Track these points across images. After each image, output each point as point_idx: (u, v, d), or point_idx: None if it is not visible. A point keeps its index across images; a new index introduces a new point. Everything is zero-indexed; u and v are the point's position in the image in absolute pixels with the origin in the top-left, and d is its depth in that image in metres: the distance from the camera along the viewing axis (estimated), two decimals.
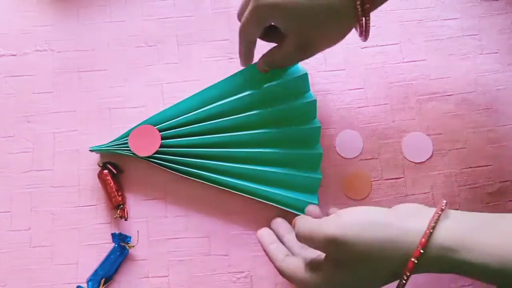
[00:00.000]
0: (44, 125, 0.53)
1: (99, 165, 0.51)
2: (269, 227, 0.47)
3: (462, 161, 0.52)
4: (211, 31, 0.56)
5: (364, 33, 0.39)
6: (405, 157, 0.52)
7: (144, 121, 0.51)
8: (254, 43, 0.44)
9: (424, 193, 0.51)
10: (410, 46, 0.55)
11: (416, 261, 0.30)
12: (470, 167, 0.52)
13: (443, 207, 0.32)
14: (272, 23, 0.41)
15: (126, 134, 0.50)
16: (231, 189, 0.49)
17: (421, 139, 0.52)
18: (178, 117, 0.50)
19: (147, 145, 0.50)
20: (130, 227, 0.50)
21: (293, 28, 0.40)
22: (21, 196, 0.51)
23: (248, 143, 0.50)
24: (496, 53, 0.55)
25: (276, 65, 0.45)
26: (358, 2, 0.36)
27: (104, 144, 0.51)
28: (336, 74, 0.54)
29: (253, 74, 0.51)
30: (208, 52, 0.55)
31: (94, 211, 0.51)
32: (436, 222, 0.31)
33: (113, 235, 0.49)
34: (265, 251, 0.42)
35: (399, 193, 0.51)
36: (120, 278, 0.49)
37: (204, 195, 0.51)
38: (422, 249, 0.30)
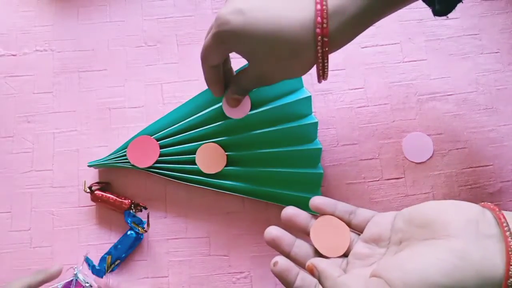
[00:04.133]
0: (44, 125, 0.53)
1: (86, 192, 0.50)
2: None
3: (462, 161, 0.52)
4: None
5: (322, 75, 0.38)
6: (405, 157, 0.52)
7: (141, 131, 0.50)
8: (217, 68, 0.42)
9: (425, 193, 0.51)
10: (411, 46, 0.55)
11: None
12: (471, 167, 0.51)
13: (506, 226, 0.29)
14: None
15: (124, 146, 0.50)
16: (233, 192, 0.49)
17: (421, 139, 0.52)
18: (175, 125, 0.50)
19: (145, 156, 0.49)
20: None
21: (253, 58, 0.39)
22: (21, 197, 0.51)
23: (247, 145, 0.50)
24: (496, 52, 0.55)
25: (244, 92, 0.44)
26: (319, 44, 0.35)
27: (102, 158, 0.50)
28: (336, 74, 0.54)
29: None
30: None
31: (93, 211, 0.51)
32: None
33: (127, 213, 0.48)
34: None
35: (399, 193, 0.51)
36: (120, 278, 0.49)
37: (204, 195, 0.51)
38: None
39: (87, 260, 0.47)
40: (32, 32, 0.56)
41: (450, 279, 0.27)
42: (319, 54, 0.36)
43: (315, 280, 0.34)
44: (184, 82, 0.54)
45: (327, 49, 0.35)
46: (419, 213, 0.32)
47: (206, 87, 0.51)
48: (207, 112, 0.50)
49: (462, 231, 0.29)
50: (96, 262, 0.48)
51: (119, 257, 0.47)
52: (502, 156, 0.52)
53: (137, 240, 0.48)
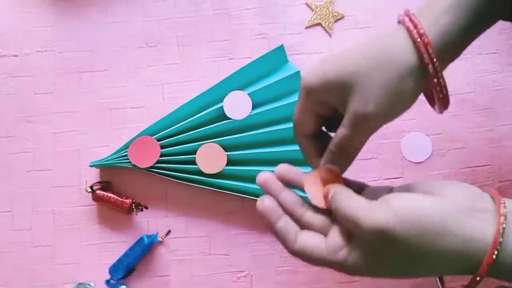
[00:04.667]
0: (44, 125, 0.54)
1: (87, 191, 0.50)
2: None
3: (461, 161, 0.52)
4: (212, 32, 0.56)
5: (442, 99, 0.32)
6: (404, 157, 0.52)
7: (142, 131, 0.51)
8: (314, 139, 0.36)
9: None
10: None
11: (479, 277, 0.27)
12: (470, 167, 0.52)
13: (503, 203, 0.29)
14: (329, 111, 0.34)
15: (126, 147, 0.50)
16: (233, 192, 0.50)
17: (420, 139, 0.52)
18: (176, 125, 0.50)
19: (147, 156, 0.50)
20: (133, 227, 0.50)
21: (345, 99, 0.32)
22: (22, 196, 0.52)
23: (247, 145, 0.50)
24: (495, 53, 0.55)
25: (346, 159, 0.34)
26: (428, 56, 0.30)
27: (104, 158, 0.51)
28: None
29: (247, 75, 0.51)
30: (209, 53, 0.55)
31: (94, 210, 0.51)
32: (504, 225, 0.27)
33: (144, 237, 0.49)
34: (270, 229, 0.34)
35: None
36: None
37: (204, 195, 0.51)
38: (489, 265, 0.27)
39: (108, 284, 0.48)
40: (33, 32, 0.57)
41: (442, 220, 0.28)
42: (430, 69, 0.31)
43: (296, 227, 0.33)
44: (184, 83, 0.55)
45: (438, 62, 0.31)
46: (418, 186, 0.31)
47: (207, 88, 0.51)
48: (207, 113, 0.50)
49: (461, 202, 0.29)
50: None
51: (132, 264, 0.48)
52: (500, 156, 0.52)
53: (149, 246, 0.49)
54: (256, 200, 0.50)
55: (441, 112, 0.34)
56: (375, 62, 0.31)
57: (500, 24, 0.55)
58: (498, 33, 0.56)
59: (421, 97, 0.53)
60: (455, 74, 0.54)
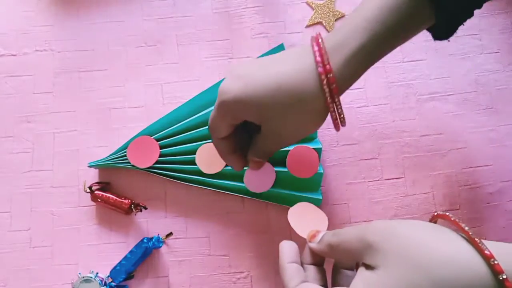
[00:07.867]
0: (44, 125, 0.53)
1: (86, 191, 0.50)
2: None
3: (462, 161, 0.52)
4: (211, 31, 0.56)
5: (337, 118, 0.36)
6: (405, 157, 0.52)
7: (141, 131, 0.50)
8: (227, 139, 0.40)
9: (425, 193, 0.51)
10: (410, 46, 0.55)
11: None
12: (471, 167, 0.52)
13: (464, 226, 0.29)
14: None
15: (124, 147, 0.50)
16: (233, 192, 0.49)
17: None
18: (175, 125, 0.50)
19: (146, 156, 0.49)
20: (132, 228, 0.50)
21: (263, 120, 0.37)
22: (21, 196, 0.51)
23: None
24: (496, 52, 0.55)
25: (264, 155, 0.41)
26: (325, 83, 0.34)
27: (103, 159, 0.50)
28: None
29: None
30: (208, 52, 0.55)
31: (93, 211, 0.51)
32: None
33: (145, 239, 0.49)
34: (280, 266, 0.35)
35: (399, 193, 0.51)
36: None
37: (204, 195, 0.51)
38: None
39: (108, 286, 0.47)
40: (32, 32, 0.56)
41: None
42: (327, 95, 0.34)
43: (304, 277, 0.35)
44: (184, 82, 0.54)
45: (334, 85, 0.34)
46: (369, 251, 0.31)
47: (206, 88, 0.51)
48: (207, 112, 0.50)
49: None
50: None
51: (134, 268, 0.48)
52: (502, 156, 0.52)
53: (151, 250, 0.49)
54: (256, 200, 0.50)
55: (336, 129, 0.38)
56: (288, 109, 0.35)
57: (502, 23, 0.55)
58: (499, 33, 0.55)
59: (420, 96, 0.53)
60: (456, 73, 0.54)
